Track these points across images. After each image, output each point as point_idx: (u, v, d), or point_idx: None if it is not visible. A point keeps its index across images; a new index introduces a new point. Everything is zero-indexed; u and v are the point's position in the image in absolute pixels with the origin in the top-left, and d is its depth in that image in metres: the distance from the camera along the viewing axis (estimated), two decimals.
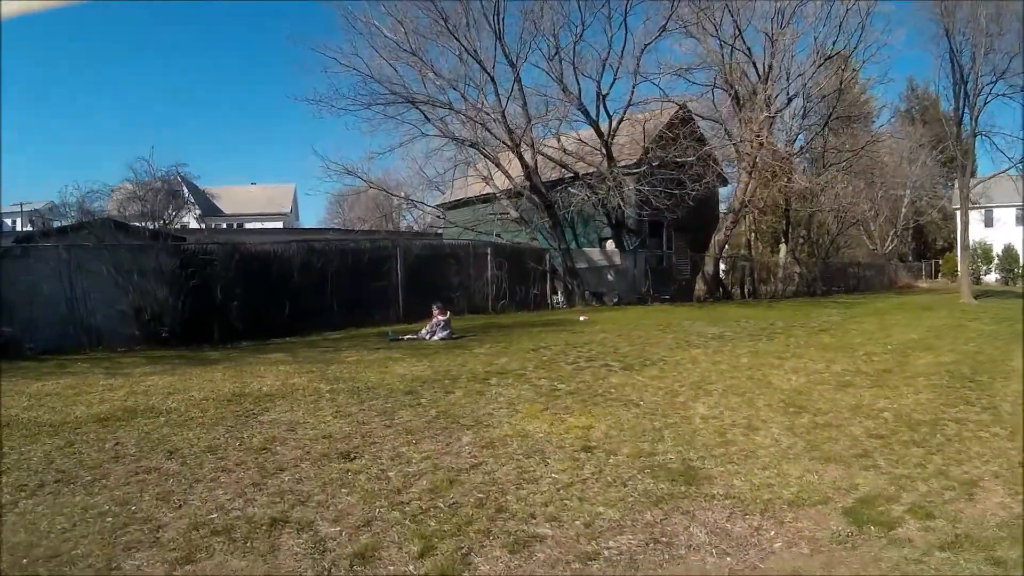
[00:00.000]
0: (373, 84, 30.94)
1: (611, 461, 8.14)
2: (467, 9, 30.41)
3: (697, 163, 33.98)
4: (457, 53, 31.08)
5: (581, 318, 24.97)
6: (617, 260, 34.35)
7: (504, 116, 31.03)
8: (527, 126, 31.81)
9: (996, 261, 75.45)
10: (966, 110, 42.35)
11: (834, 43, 38.79)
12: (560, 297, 31.78)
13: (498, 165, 32.98)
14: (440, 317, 18.96)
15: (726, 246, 41.66)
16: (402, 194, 42.47)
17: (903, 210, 69.83)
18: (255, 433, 9.20)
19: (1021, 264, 72.31)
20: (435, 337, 18.55)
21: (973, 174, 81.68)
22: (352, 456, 8.21)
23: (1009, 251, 74.80)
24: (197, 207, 49.27)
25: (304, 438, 8.97)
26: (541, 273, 31.01)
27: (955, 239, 79.25)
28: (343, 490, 7.13)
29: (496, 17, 30.37)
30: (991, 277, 75.49)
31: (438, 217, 44.12)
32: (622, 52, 32.56)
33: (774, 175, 38.75)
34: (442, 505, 6.73)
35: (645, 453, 8.44)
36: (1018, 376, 13.97)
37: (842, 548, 5.94)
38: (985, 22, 39.27)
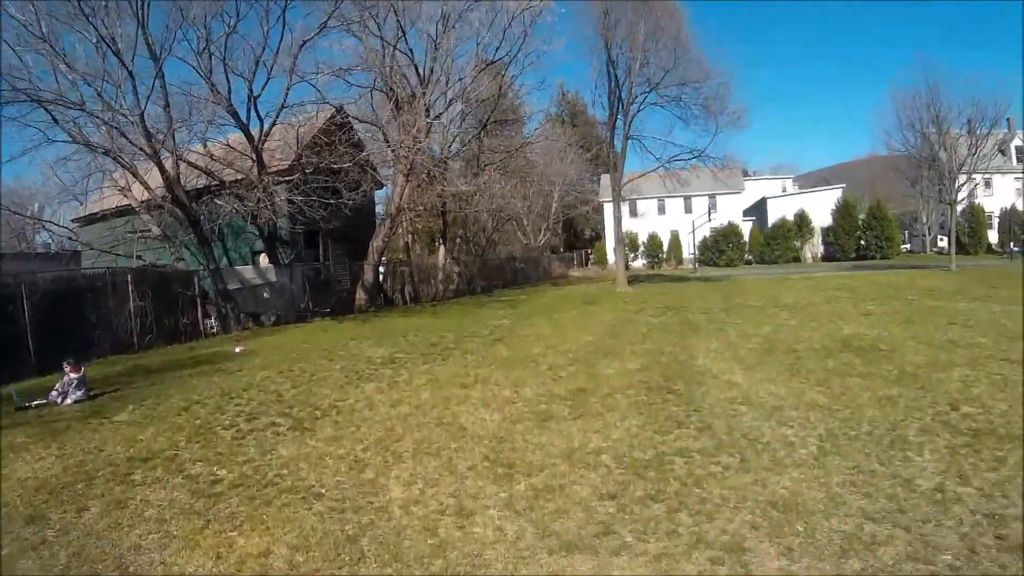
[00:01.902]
0: None
1: None
2: None
3: (353, 169, 32.18)
4: (94, 41, 26.53)
5: (237, 349, 22.24)
6: (272, 277, 31.86)
7: (143, 119, 27.11)
8: (169, 130, 28.16)
9: (642, 248, 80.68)
10: (620, 115, 43.74)
11: (497, 49, 38.95)
12: (214, 322, 28.69)
13: (136, 175, 28.86)
14: (72, 375, 15.34)
15: (385, 251, 40.23)
16: (29, 212, 37.13)
17: (554, 205, 72.39)
18: None
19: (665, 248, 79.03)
20: (68, 400, 15.07)
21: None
22: None
23: (654, 238, 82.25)
24: None
25: None
26: (190, 299, 27.61)
27: (602, 229, 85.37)
28: None
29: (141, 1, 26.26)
30: (638, 263, 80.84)
31: (71, 239, 39.08)
32: (278, 49, 30.00)
33: (431, 178, 37.95)
34: None
35: None
36: (712, 378, 14.00)
37: None
38: (643, 38, 41.33)
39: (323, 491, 8.86)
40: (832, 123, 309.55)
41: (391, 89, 35.62)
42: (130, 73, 27.03)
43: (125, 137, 27.68)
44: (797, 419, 10.86)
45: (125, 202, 33.25)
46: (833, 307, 26.13)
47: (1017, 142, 77.80)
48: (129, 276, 25.14)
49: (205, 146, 31.42)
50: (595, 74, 44.45)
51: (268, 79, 30.57)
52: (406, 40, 35.42)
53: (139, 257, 32.90)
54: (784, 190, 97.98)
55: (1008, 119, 70.05)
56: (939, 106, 54.47)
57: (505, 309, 31.97)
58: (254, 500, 8.71)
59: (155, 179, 29.42)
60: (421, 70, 36.39)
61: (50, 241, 44.83)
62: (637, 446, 9.86)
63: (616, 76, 42.91)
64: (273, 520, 8.01)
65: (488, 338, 22.12)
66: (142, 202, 31.17)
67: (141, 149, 27.74)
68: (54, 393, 15.12)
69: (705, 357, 16.69)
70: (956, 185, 53.63)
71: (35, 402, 15.09)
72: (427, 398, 13.58)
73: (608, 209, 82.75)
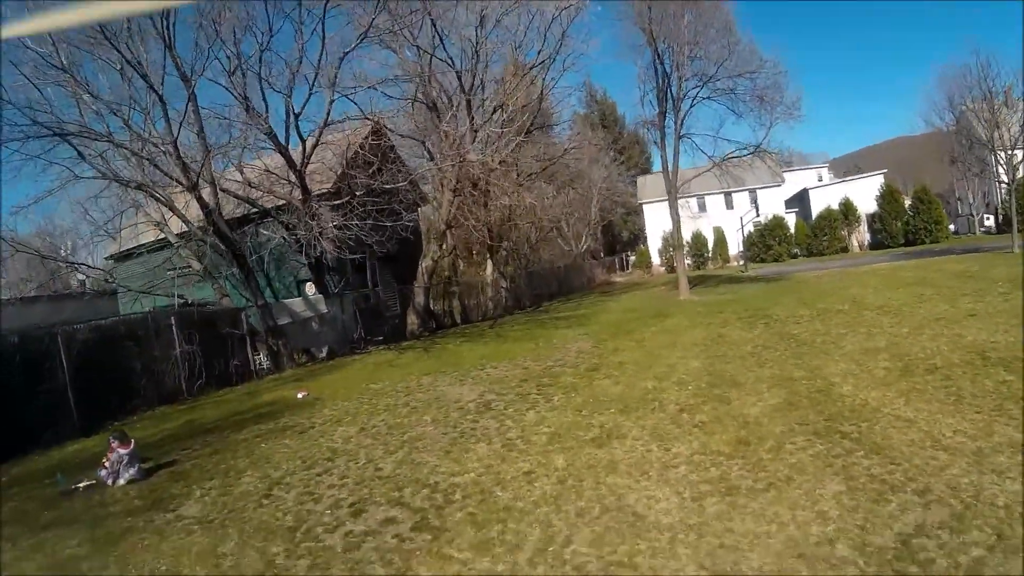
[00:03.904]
0: (6, 110, 23.39)
1: None
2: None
3: (405, 188, 30.16)
4: (119, 67, 24.42)
5: (299, 395, 19.93)
6: (323, 307, 29.91)
7: (176, 147, 24.99)
8: (205, 158, 26.04)
9: (687, 248, 77.98)
10: (670, 113, 41.60)
11: (539, 52, 37.17)
12: (264, 359, 26.70)
13: (172, 209, 26.82)
14: (122, 451, 12.88)
15: (434, 271, 38.39)
16: (63, 251, 35.20)
17: (593, 209, 70.75)
18: None
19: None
20: (121, 480, 12.70)
21: (647, 171, 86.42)
22: None
23: (698, 237, 79.54)
24: None
25: None
26: (240, 338, 25.61)
27: (641, 231, 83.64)
28: None
29: (164, 21, 24.00)
30: (685, 263, 78.72)
31: (108, 281, 37.12)
32: (318, 63, 27.66)
33: (481, 191, 36.10)
34: None
35: None
36: (875, 412, 11.94)
37: None
38: (688, 31, 39.23)
39: None
40: (855, 107, 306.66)
41: (432, 102, 33.83)
42: (160, 98, 24.94)
43: (158, 168, 25.81)
44: (1012, 468, 9.01)
45: (161, 236, 31.28)
46: (929, 308, 23.74)
47: None
48: (173, 319, 23.12)
49: (242, 173, 29.28)
50: (642, 72, 42.60)
51: (309, 95, 28.54)
52: (444, 47, 33.74)
53: (180, 296, 30.94)
54: (820, 179, 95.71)
55: None
56: (991, 82, 52.34)
57: (574, 328, 29.69)
58: None
59: (192, 210, 27.44)
60: (462, 77, 34.49)
61: (86, 281, 42.51)
62: (868, 528, 7.89)
63: (665, 72, 40.76)
64: None
65: (581, 368, 19.86)
66: (180, 236, 29.31)
67: (177, 180, 25.80)
68: (103, 471, 12.79)
69: (844, 383, 14.61)
70: (1015, 162, 50.49)
71: (82, 483, 12.73)
72: (563, 465, 11.33)
73: (648, 211, 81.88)
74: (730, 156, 42.50)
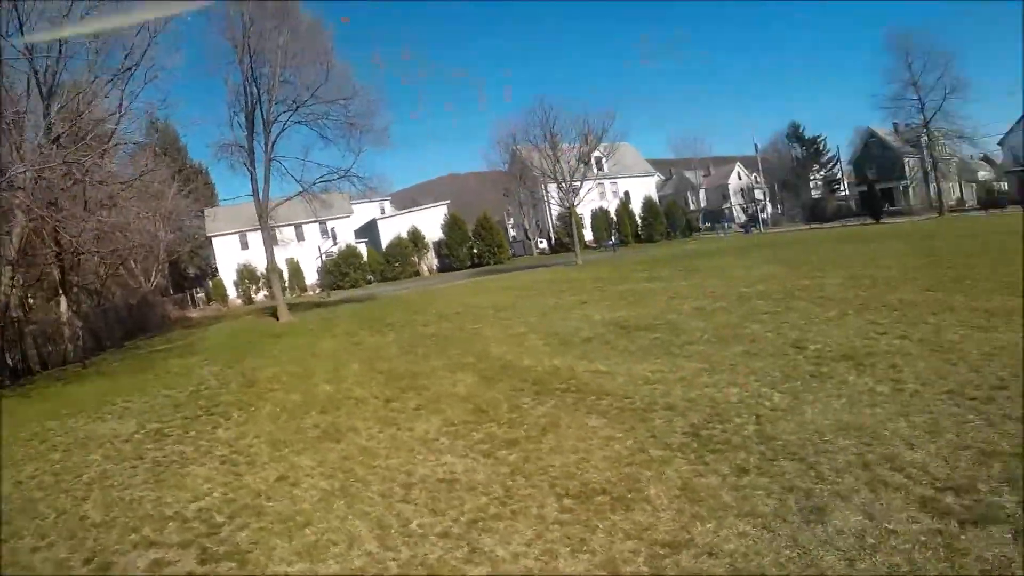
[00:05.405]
0: None
1: None
2: None
3: None
4: None
5: None
6: None
7: None
8: None
9: (261, 280, 76.68)
10: (259, 135, 40.90)
11: (127, 56, 33.89)
12: None
13: None
14: None
15: (7, 308, 33.95)
16: None
17: (161, 244, 67.56)
18: None
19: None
20: None
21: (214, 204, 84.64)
22: None
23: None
24: None
25: None
26: None
27: (208, 265, 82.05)
28: None
29: None
30: (261, 295, 78.64)
31: None
32: None
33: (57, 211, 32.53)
34: None
35: None
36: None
37: None
38: (282, 53, 39.08)
39: None
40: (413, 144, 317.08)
41: None
42: None
43: None
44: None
45: None
46: (538, 302, 27.04)
47: (596, 154, 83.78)
48: None
49: None
50: (231, 93, 40.81)
51: None
52: (21, 32, 29.56)
53: None
54: (383, 211, 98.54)
55: (586, 135, 75.23)
56: (553, 124, 64.79)
57: (187, 358, 26.61)
58: None
59: None
60: (39, 76, 30.99)
61: None
62: (656, 437, 8.06)
63: (257, 94, 39.58)
64: None
65: (233, 387, 17.89)
66: None
67: None
68: None
69: (521, 358, 15.37)
70: (576, 194, 59.27)
71: None
72: (310, 464, 9.99)
73: (218, 243, 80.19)
74: (321, 180, 42.25)
